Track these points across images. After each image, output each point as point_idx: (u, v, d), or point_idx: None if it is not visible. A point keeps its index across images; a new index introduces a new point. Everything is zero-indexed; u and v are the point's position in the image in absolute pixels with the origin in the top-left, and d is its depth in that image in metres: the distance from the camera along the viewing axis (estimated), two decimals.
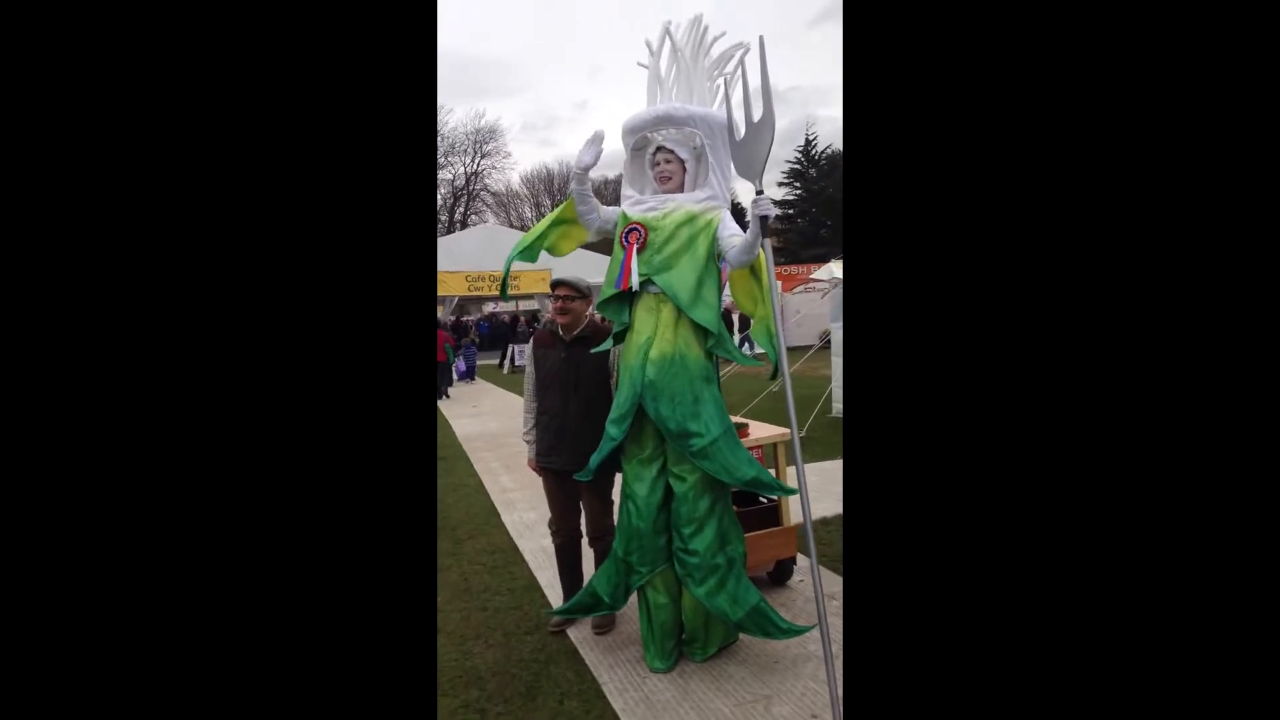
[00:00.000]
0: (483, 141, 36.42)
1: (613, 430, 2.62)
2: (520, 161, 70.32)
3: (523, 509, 4.84)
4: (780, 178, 29.74)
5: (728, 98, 2.46)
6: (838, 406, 7.39)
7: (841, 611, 2.83)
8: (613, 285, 2.66)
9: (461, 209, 36.58)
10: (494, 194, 38.20)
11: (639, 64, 2.80)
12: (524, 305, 22.80)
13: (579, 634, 2.91)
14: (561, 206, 2.89)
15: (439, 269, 15.30)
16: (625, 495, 2.68)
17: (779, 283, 2.40)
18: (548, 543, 3.39)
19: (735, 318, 12.40)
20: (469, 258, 17.25)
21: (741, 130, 2.27)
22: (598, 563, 2.91)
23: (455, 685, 2.54)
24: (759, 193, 2.22)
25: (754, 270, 2.62)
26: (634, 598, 2.75)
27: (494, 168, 37.78)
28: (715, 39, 2.72)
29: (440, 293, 16.18)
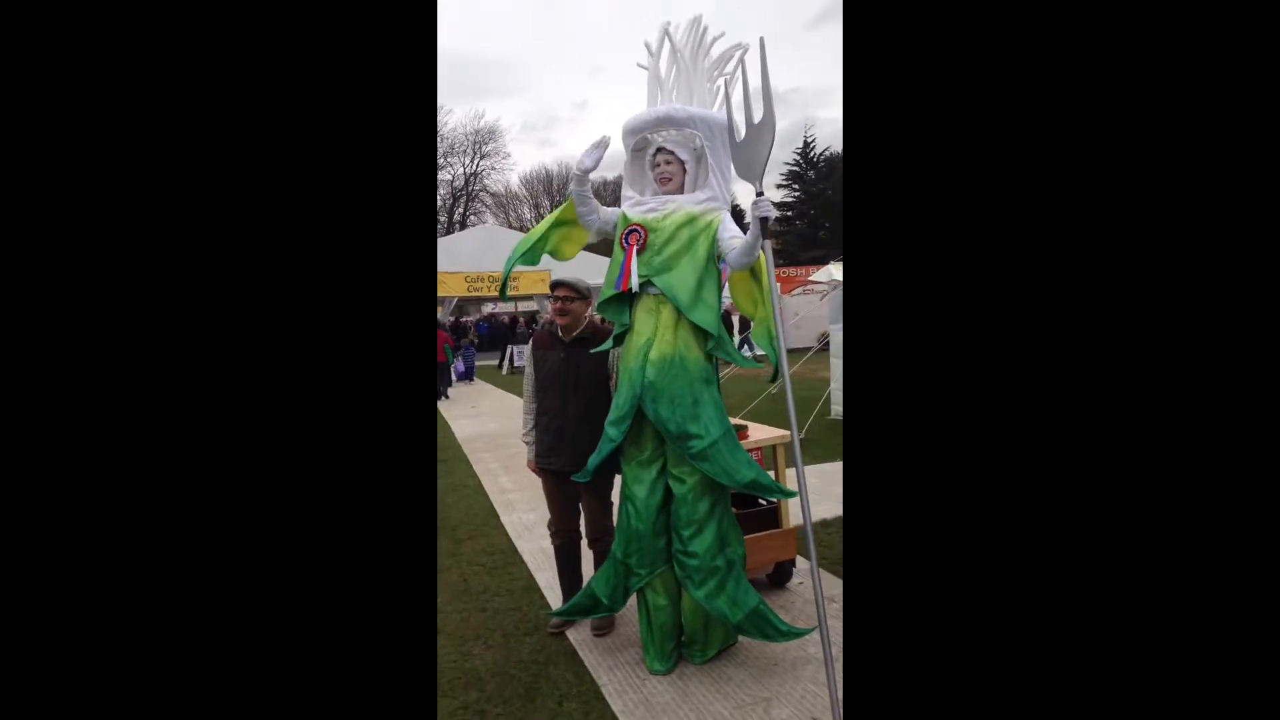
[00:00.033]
0: (482, 142, 36.50)
1: (612, 431, 2.62)
2: (520, 162, 70.40)
3: (522, 510, 4.84)
4: (779, 180, 29.80)
5: (728, 99, 2.46)
6: (836, 408, 7.39)
7: (841, 614, 2.83)
8: (612, 286, 2.66)
9: (461, 210, 36.61)
10: (493, 195, 38.28)
11: (639, 65, 2.80)
12: (523, 306, 22.81)
13: (578, 635, 2.90)
14: (561, 208, 2.88)
15: (438, 270, 15.31)
16: (624, 497, 2.67)
17: (778, 284, 2.40)
18: (547, 544, 3.39)
19: (735, 319, 12.41)
20: (468, 258, 17.26)
21: (742, 131, 2.27)
22: (597, 564, 2.91)
23: (455, 686, 2.54)
24: (759, 194, 2.22)
25: (754, 272, 2.62)
26: (633, 599, 2.74)
27: (493, 168, 37.88)
28: (715, 39, 2.72)
29: (439, 293, 16.19)
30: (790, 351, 2.43)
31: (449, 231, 30.85)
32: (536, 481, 3.23)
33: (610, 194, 22.97)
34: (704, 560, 2.51)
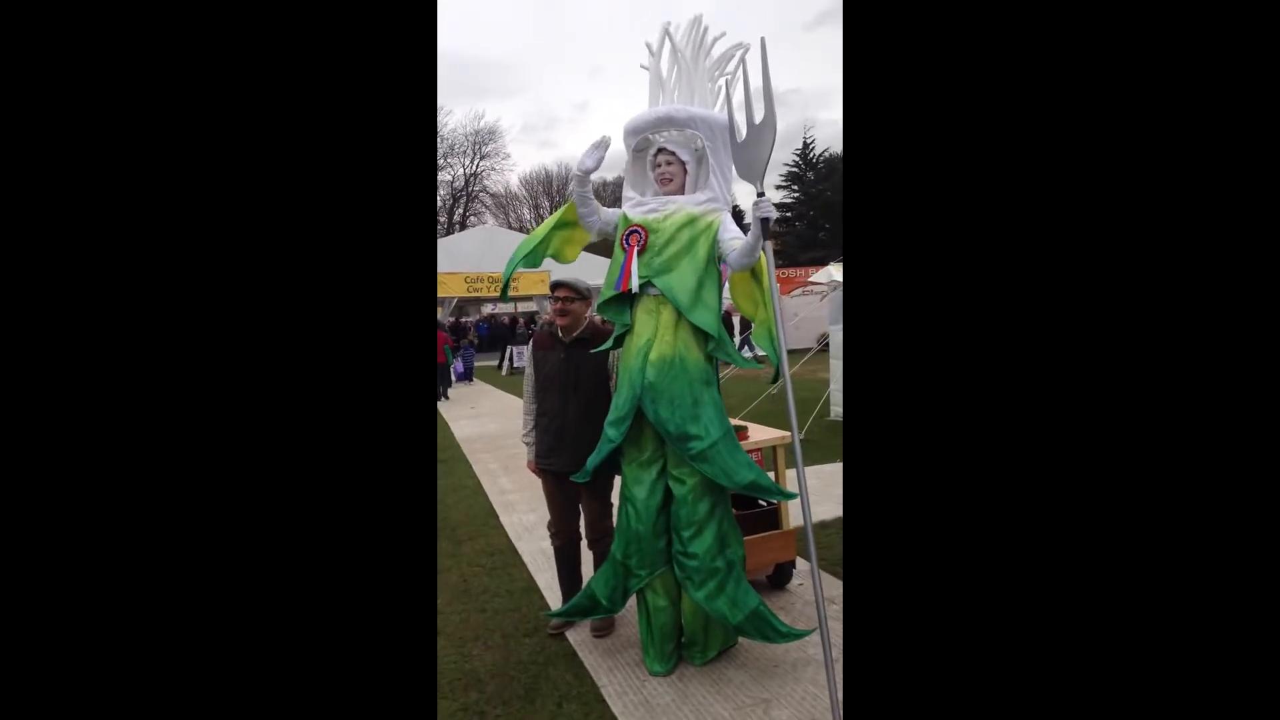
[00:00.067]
0: (482, 143, 36.53)
1: (611, 432, 2.62)
2: (519, 163, 70.41)
3: (522, 511, 4.83)
4: (779, 181, 29.80)
5: (729, 99, 2.46)
6: (836, 409, 7.39)
7: (841, 615, 2.82)
8: (612, 287, 2.65)
9: (461, 210, 36.62)
10: (493, 195, 38.30)
11: (641, 66, 2.80)
12: (523, 307, 22.82)
13: (578, 636, 2.90)
14: (563, 209, 2.88)
15: (438, 270, 15.32)
16: (624, 498, 2.67)
17: (778, 285, 2.40)
18: (547, 545, 3.39)
19: (736, 320, 12.40)
20: (468, 259, 17.28)
21: (743, 132, 2.26)
22: (597, 565, 2.91)
23: (454, 687, 2.53)
24: (760, 195, 2.22)
25: (755, 273, 2.62)
26: (633, 601, 2.74)
27: (493, 169, 37.91)
28: (715, 39, 2.72)
29: (439, 294, 16.20)
30: (790, 352, 2.43)
31: (449, 232, 30.87)
32: (536, 482, 3.23)
33: (611, 195, 22.98)
34: (704, 561, 2.50)
